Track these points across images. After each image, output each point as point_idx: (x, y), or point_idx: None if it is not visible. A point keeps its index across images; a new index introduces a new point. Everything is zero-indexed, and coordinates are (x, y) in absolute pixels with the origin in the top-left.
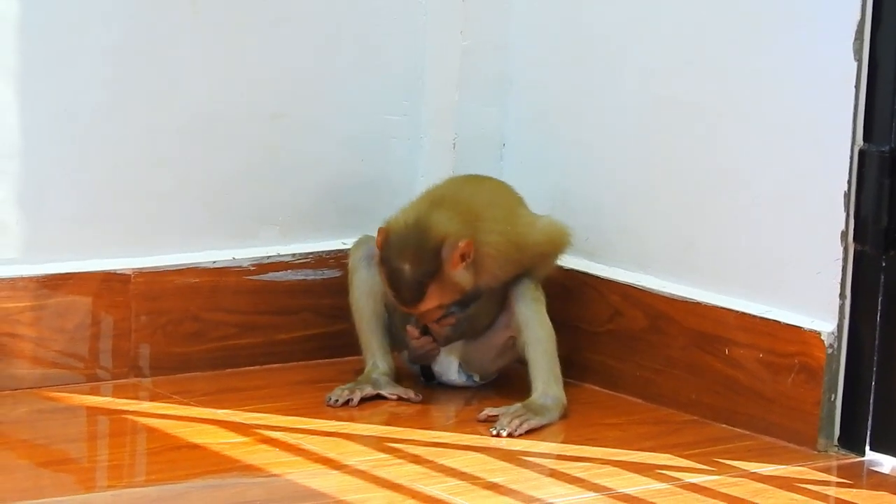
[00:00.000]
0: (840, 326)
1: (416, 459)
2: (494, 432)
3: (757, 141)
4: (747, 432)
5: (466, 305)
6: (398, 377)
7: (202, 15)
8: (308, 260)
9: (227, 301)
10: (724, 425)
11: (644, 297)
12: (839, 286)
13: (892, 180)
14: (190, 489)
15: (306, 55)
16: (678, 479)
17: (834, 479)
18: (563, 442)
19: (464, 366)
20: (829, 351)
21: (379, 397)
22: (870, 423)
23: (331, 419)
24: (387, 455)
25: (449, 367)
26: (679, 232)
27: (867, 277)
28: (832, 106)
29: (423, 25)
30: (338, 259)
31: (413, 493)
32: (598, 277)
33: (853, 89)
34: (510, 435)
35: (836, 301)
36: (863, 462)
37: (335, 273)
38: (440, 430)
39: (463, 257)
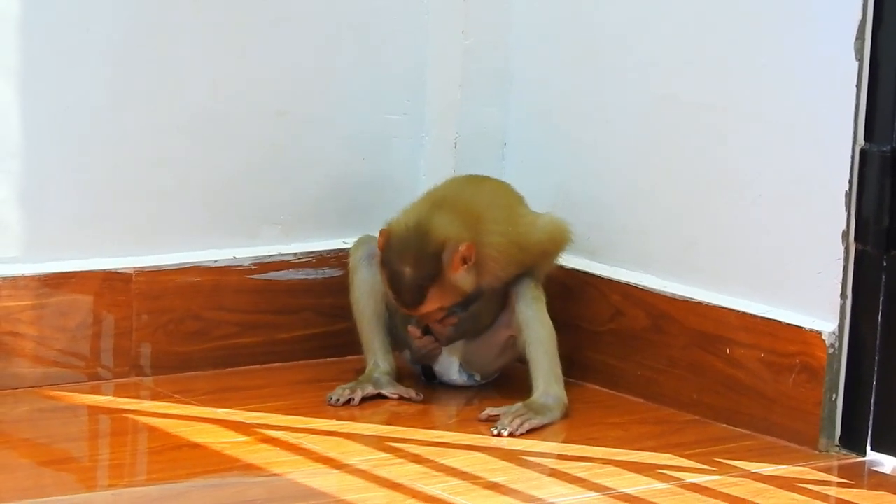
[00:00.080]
0: (841, 326)
1: (417, 459)
2: (495, 432)
3: (758, 140)
4: (748, 432)
5: (467, 305)
6: (399, 376)
7: (203, 14)
8: (309, 259)
9: (229, 300)
10: (725, 425)
11: (645, 296)
12: (840, 286)
13: (894, 180)
14: (191, 488)
15: (307, 54)
16: (679, 479)
17: (835, 479)
18: (564, 441)
19: (465, 365)
20: (831, 351)
21: (380, 397)
22: (871, 423)
23: (332, 418)
24: (388, 454)
25: (450, 366)
26: (680, 231)
27: (868, 277)
28: (833, 105)
29: (425, 24)
30: (339, 258)
31: (414, 493)
32: (599, 277)
33: (854, 89)
34: (511, 434)
35: (838, 301)
36: (864, 462)
37: (336, 272)
38: (441, 430)
39: (464, 260)
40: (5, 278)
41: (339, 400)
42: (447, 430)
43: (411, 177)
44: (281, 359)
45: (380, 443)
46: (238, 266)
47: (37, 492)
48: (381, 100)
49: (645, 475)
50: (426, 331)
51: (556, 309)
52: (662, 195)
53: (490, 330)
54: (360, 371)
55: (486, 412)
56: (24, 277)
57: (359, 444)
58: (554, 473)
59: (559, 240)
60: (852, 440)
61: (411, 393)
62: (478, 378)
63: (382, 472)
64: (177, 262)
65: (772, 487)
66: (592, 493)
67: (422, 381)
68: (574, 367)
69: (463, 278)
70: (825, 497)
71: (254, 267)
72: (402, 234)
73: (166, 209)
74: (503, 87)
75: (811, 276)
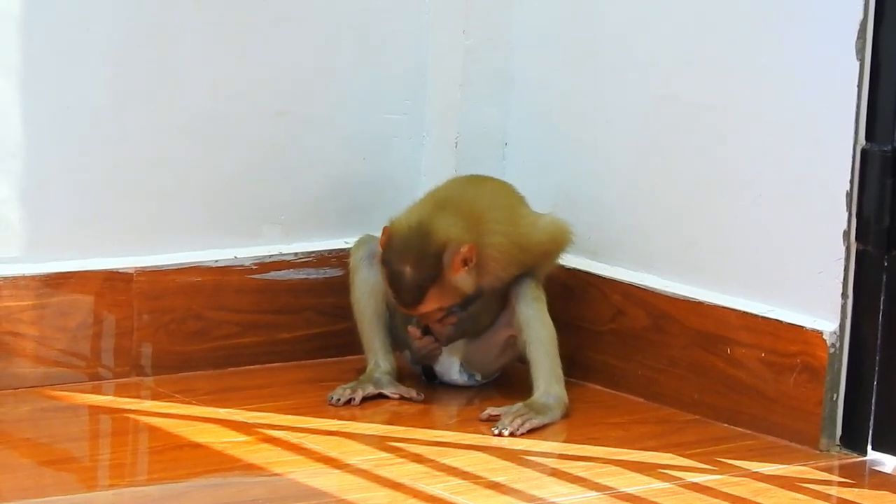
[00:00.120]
0: (842, 326)
1: (418, 458)
2: (496, 431)
3: (759, 140)
4: (749, 432)
5: (467, 305)
6: (400, 376)
7: (204, 13)
8: (310, 259)
9: (230, 300)
10: (726, 425)
11: (646, 296)
12: (841, 286)
13: (895, 180)
14: (192, 488)
15: (307, 54)
16: (680, 479)
17: (836, 478)
18: (565, 441)
19: (465, 365)
20: (831, 350)
21: (381, 396)
22: (872, 422)
23: (333, 418)
24: (389, 454)
25: (450, 366)
26: (681, 231)
27: (869, 277)
28: (834, 105)
29: (426, 24)
30: (340, 258)
31: (415, 493)
32: (600, 277)
33: (855, 88)
34: (512, 434)
35: (839, 300)
36: (865, 462)
37: (337, 272)
38: (442, 430)
39: (465, 262)
40: (6, 278)
41: (339, 400)
42: (448, 430)
43: (412, 177)
44: (282, 358)
45: (381, 442)
46: (239, 266)
47: (38, 491)
48: (381, 100)
49: (646, 475)
50: (426, 331)
51: (557, 309)
52: (663, 195)
53: (490, 330)
54: (361, 371)
55: (486, 412)
56: (24, 277)
57: (360, 444)
58: (555, 473)
59: (560, 240)
60: (853, 440)
61: (412, 393)
62: (478, 378)
63: (383, 472)
64: (178, 261)
65: (773, 487)
66: (593, 493)
67: (422, 380)
68: (575, 366)
69: (463, 279)
70: (826, 496)
71: (255, 267)
72: (404, 233)
73: (167, 209)
74: (504, 87)
75: (812, 275)
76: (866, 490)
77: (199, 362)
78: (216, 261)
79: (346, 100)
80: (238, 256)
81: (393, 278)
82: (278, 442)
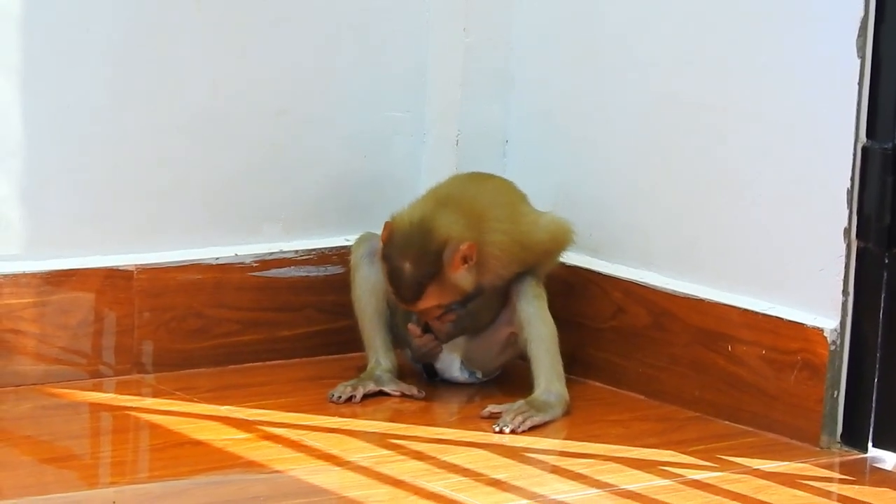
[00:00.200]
0: (843, 323)
1: (419, 456)
2: (497, 429)
3: (760, 138)
4: (750, 429)
5: (467, 302)
6: (401, 374)
7: (204, 13)
8: (311, 256)
9: (230, 298)
10: (727, 422)
11: (647, 293)
12: (842, 283)
13: (895, 177)
14: (193, 485)
15: (308, 52)
16: (681, 476)
17: (837, 475)
18: (565, 438)
19: (466, 363)
20: (832, 348)
21: (382, 394)
22: (872, 419)
23: (334, 416)
24: (390, 451)
25: (451, 364)
26: (682, 229)
27: (870, 274)
28: (835, 103)
29: (427, 22)
30: (340, 255)
31: (416, 490)
32: (601, 274)
33: (856, 86)
34: (513, 432)
35: (839, 298)
36: (865, 458)
37: (338, 270)
38: (443, 427)
39: (465, 260)
40: (7, 276)
41: (340, 397)
42: (449, 428)
43: (412, 175)
44: (282, 356)
45: (382, 440)
46: (240, 263)
47: (39, 489)
48: (382, 98)
49: (647, 472)
50: (426, 329)
51: (558, 306)
52: (664, 193)
53: (491, 327)
54: (362, 368)
55: (487, 409)
56: (25, 275)
57: (361, 441)
58: (556, 470)
59: (561, 239)
60: (854, 437)
61: (413, 390)
62: (479, 375)
63: (384, 469)
64: (178, 259)
65: (773, 484)
66: (594, 490)
67: (423, 378)
68: (576, 364)
69: (463, 277)
70: (827, 493)
71: (255, 264)
72: (405, 229)
73: (167, 207)
74: (504, 86)
75: (813, 273)
76: (867, 487)
77: (200, 360)
78: (217, 258)
79: (347, 98)
80: (239, 254)
81: (393, 274)
82: (279, 439)
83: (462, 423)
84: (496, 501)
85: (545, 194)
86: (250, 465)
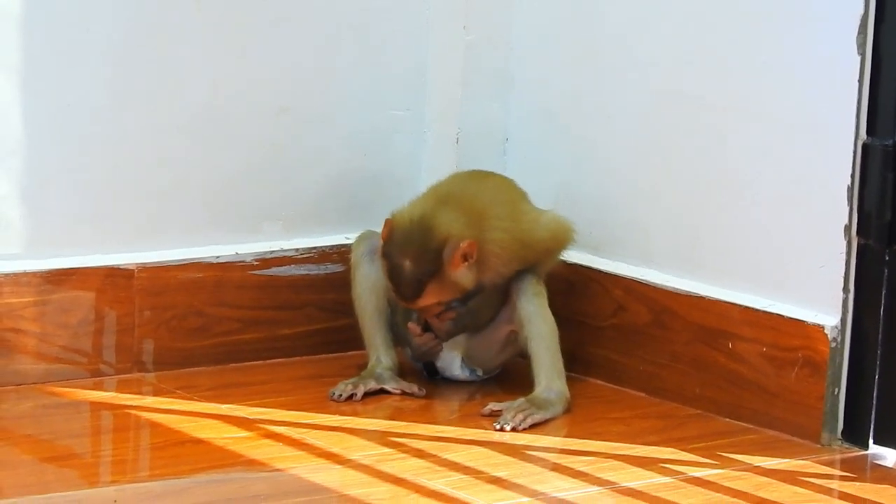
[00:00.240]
0: (843, 320)
1: (420, 454)
2: (498, 427)
3: (760, 136)
4: (751, 426)
5: (468, 300)
6: (402, 372)
7: (204, 13)
8: (311, 255)
9: (231, 296)
10: (727, 419)
11: (648, 291)
12: (843, 280)
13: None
14: (194, 484)
15: (309, 50)
16: (682, 473)
17: (837, 472)
18: (566, 436)
19: (467, 360)
20: (833, 345)
21: (382, 392)
22: (873, 416)
23: (334, 414)
24: (391, 449)
25: (452, 361)
26: (683, 226)
27: (870, 271)
28: (835, 100)
29: (427, 20)
30: (341, 254)
31: (417, 488)
32: (601, 272)
33: (856, 83)
34: (514, 429)
35: (840, 295)
36: (866, 455)
37: (338, 268)
38: (444, 425)
39: (465, 258)
40: (7, 275)
41: (341, 395)
42: (450, 425)
43: (413, 173)
44: (283, 354)
45: (383, 438)
46: (240, 262)
47: (40, 488)
48: (382, 96)
49: (648, 469)
50: (426, 328)
51: (559, 304)
52: (664, 190)
53: (492, 325)
54: (363, 366)
55: (488, 407)
56: (26, 274)
57: (362, 440)
58: (557, 468)
59: (562, 238)
60: (855, 434)
61: (414, 388)
62: (480, 373)
63: (385, 467)
64: (179, 258)
65: (774, 481)
66: (595, 488)
67: (424, 376)
68: (577, 362)
69: (463, 275)
70: (828, 490)
71: (256, 263)
72: (405, 227)
73: (168, 205)
74: (505, 84)
75: (813, 270)
76: (868, 484)
77: (201, 358)
78: (217, 257)
79: (348, 97)
80: (239, 252)
81: (393, 272)
82: (280, 438)
83: (463, 420)
84: (497, 499)
85: (545, 193)
86: (251, 464)
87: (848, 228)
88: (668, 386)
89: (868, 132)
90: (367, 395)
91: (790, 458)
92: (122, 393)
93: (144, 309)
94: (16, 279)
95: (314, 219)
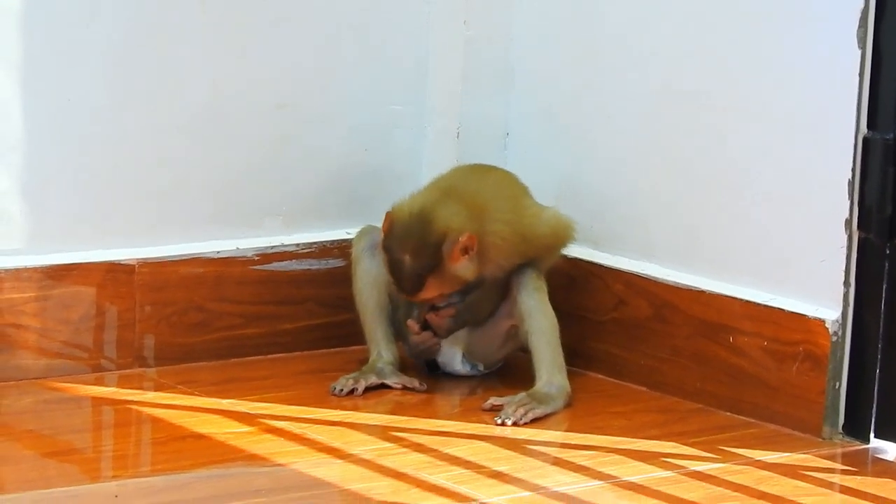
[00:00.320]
0: (844, 314)
1: (421, 448)
2: (499, 421)
3: (761, 130)
4: (752, 420)
5: (469, 293)
6: (403, 366)
7: (206, 13)
8: (312, 250)
9: (232, 291)
10: (728, 413)
11: (648, 285)
12: (843, 274)
13: None
14: (195, 479)
15: (310, 46)
16: (683, 467)
17: (838, 466)
18: (567, 430)
19: (468, 355)
20: (834, 339)
21: (383, 386)
22: (874, 410)
23: (335, 408)
24: (391, 444)
25: (453, 356)
26: (683, 221)
27: (871, 265)
28: (836, 94)
29: (428, 15)
30: (342, 249)
31: (418, 482)
32: (602, 266)
33: (857, 77)
34: (515, 424)
35: (841, 289)
36: (867, 449)
37: (339, 263)
38: (445, 419)
39: (465, 250)
40: (8, 270)
41: (342, 390)
42: (451, 420)
43: (413, 168)
44: (284, 349)
45: (383, 432)
46: (241, 257)
47: (41, 483)
48: (383, 91)
49: (649, 463)
50: (425, 326)
51: (560, 298)
52: (665, 184)
53: (492, 320)
54: (364, 361)
55: (489, 402)
56: (27, 269)
57: (362, 434)
58: (558, 462)
59: (563, 235)
60: (856, 428)
61: (415, 383)
62: (481, 368)
63: (386, 462)
64: (180, 253)
65: (775, 475)
66: (596, 482)
67: (425, 371)
68: (577, 356)
69: (464, 267)
70: (829, 484)
71: (256, 258)
72: (405, 221)
73: (169, 201)
74: (505, 78)
75: (814, 264)
76: (869, 478)
77: (202, 353)
78: (218, 252)
79: (349, 92)
80: (240, 248)
81: (393, 266)
82: (281, 432)
83: (464, 415)
84: (498, 494)
85: (546, 188)
86: (252, 459)
87: (849, 222)
88: (668, 380)
89: (869, 126)
90: (368, 389)
91: (791, 452)
92: (123, 388)
93: (145, 304)
94: (17, 274)
95: (315, 214)
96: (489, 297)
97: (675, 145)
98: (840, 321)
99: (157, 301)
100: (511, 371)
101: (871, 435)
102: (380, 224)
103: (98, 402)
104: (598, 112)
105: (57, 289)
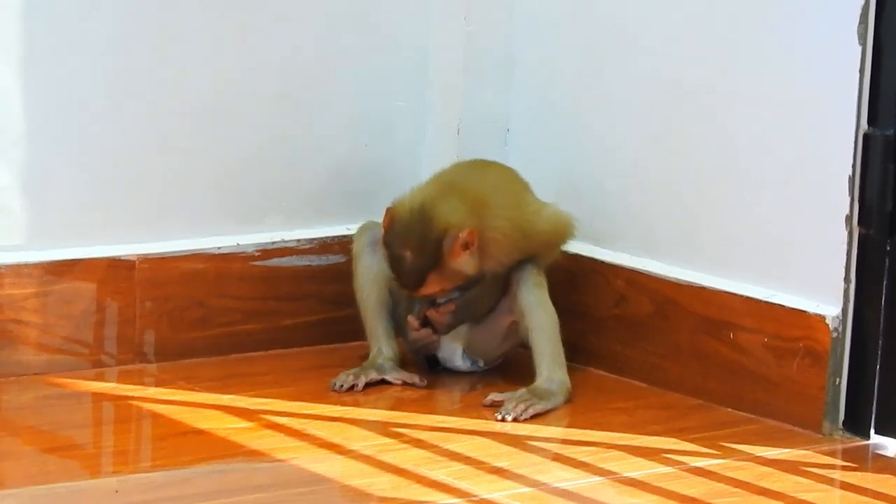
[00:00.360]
0: (845, 310)
1: (421, 444)
2: (499, 417)
3: (762, 126)
4: (753, 416)
5: (469, 288)
6: (403, 362)
7: (206, 2)
8: (312, 245)
9: (232, 287)
10: (729, 409)
11: (650, 282)
12: (844, 270)
13: None
14: (195, 474)
15: (310, 40)
16: (684, 463)
17: (839, 462)
18: (568, 426)
19: (468, 351)
20: (834, 335)
21: (384, 382)
22: (874, 406)
23: (336, 404)
24: (392, 440)
25: (453, 352)
26: (684, 217)
27: (872, 261)
28: (837, 90)
29: (428, 10)
30: (342, 244)
31: (418, 478)
32: (603, 263)
33: (857, 73)
34: (515, 419)
35: (841, 285)
36: (868, 445)
37: (340, 258)
38: (445, 415)
39: (465, 246)
40: (9, 266)
41: (342, 386)
42: (451, 416)
43: (414, 163)
44: (285, 345)
45: (384, 428)
46: (242, 253)
47: (42, 478)
48: (383, 86)
49: (650, 459)
50: (425, 322)
51: (561, 295)
52: (666, 181)
53: (492, 316)
54: (364, 357)
55: (490, 397)
56: (27, 265)
57: (363, 430)
58: (558, 458)
59: (563, 232)
60: (856, 424)
61: (415, 378)
62: (481, 364)
63: (386, 458)
64: (180, 249)
65: (776, 471)
66: (597, 478)
67: (425, 367)
68: (578, 352)
69: (465, 263)
70: (829, 480)
71: (257, 254)
72: (405, 217)
73: (170, 196)
74: (506, 73)
75: (815, 260)
76: (869, 474)
77: (202, 349)
78: (219, 248)
79: (349, 86)
80: (241, 243)
81: (394, 262)
82: (281, 428)
83: (464, 411)
84: (498, 489)
85: (546, 183)
86: (253, 454)
87: (849, 218)
88: (669, 376)
89: (869, 122)
90: (368, 385)
91: (792, 448)
92: (123, 384)
93: (146, 300)
94: (17, 270)
95: (315, 210)
96: (489, 293)
97: (676, 142)
98: (840, 317)
99: (157, 297)
100: (511, 367)
101: (872, 431)
102: (380, 220)
103: (98, 397)
104: (599, 108)
105: (57, 284)
